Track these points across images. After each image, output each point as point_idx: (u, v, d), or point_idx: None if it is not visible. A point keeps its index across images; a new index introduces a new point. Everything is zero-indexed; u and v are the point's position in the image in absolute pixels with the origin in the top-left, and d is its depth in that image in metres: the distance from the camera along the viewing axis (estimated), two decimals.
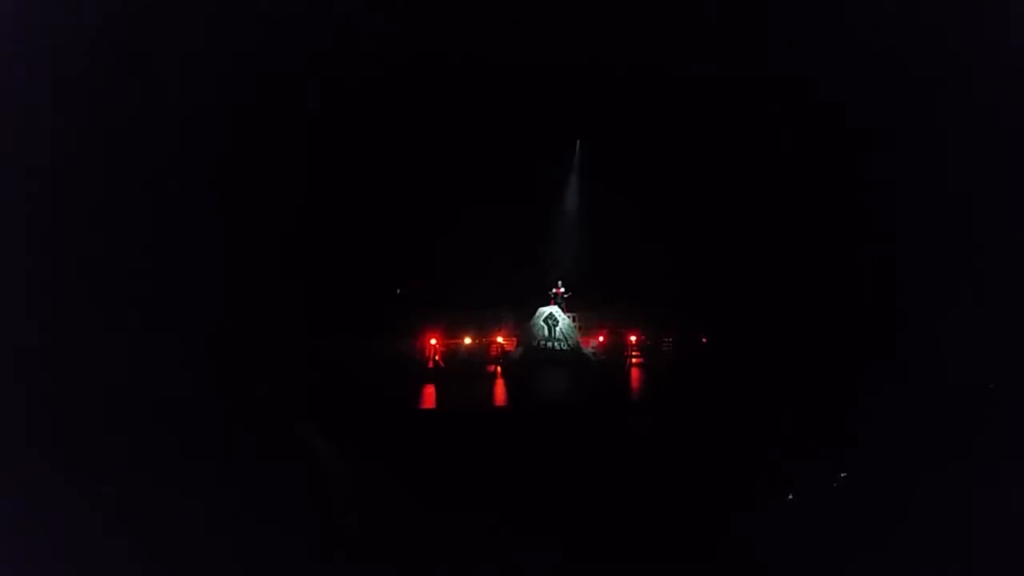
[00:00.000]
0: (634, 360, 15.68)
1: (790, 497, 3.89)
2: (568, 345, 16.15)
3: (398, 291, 14.84)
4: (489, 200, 14.05)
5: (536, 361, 15.72)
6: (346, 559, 3.14)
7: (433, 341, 14.66)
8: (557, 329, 16.25)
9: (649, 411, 10.42)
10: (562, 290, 16.64)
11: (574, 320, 16.54)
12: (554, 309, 16.40)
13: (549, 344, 16.18)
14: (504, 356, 15.53)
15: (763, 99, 10.99)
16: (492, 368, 15.05)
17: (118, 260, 5.79)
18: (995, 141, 6.99)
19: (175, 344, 5.79)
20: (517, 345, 16.27)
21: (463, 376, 14.26)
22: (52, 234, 5.15)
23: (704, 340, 15.18)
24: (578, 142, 16.32)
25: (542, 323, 16.30)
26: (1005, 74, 6.14)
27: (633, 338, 15.87)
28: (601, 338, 16.46)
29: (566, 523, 4.41)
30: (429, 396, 12.35)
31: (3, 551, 2.64)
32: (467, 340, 15.57)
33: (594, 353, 16.27)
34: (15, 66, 4.33)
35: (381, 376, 11.39)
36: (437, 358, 14.66)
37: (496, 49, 10.77)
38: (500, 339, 15.83)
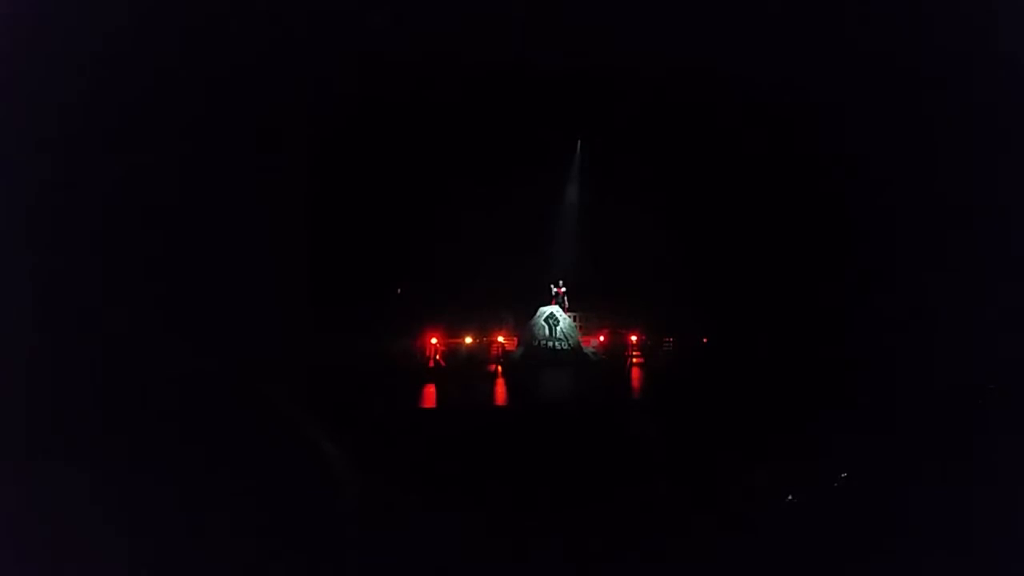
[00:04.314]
0: (635, 360, 15.72)
1: (790, 497, 3.89)
2: (569, 345, 16.18)
3: (398, 291, 14.86)
4: (489, 200, 14.07)
5: (537, 360, 15.74)
6: (347, 558, 3.14)
7: (434, 340, 14.67)
8: (558, 329, 16.27)
9: (649, 410, 10.42)
10: (563, 290, 16.66)
11: (575, 320, 16.57)
12: (555, 309, 16.43)
13: (550, 344, 16.21)
14: (505, 355, 15.55)
15: (764, 99, 10.99)
16: (493, 367, 15.07)
17: (118, 259, 5.79)
18: (995, 139, 6.99)
19: (175, 343, 5.80)
20: (518, 344, 16.29)
21: (464, 375, 14.27)
22: (53, 233, 5.16)
23: (705, 340, 15.21)
24: (578, 142, 16.37)
25: (543, 323, 16.32)
26: (1005, 75, 6.14)
27: (634, 338, 15.90)
28: (602, 338, 16.50)
29: (566, 522, 4.42)
30: (430, 395, 12.36)
31: (3, 551, 2.64)
32: (468, 340, 15.59)
33: (595, 353, 16.30)
34: (15, 66, 4.35)
35: (382, 375, 11.40)
36: (438, 357, 14.68)
37: (497, 49, 10.78)
38: (501, 339, 15.85)
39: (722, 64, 10.29)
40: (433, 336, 14.70)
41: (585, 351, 16.29)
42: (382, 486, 3.89)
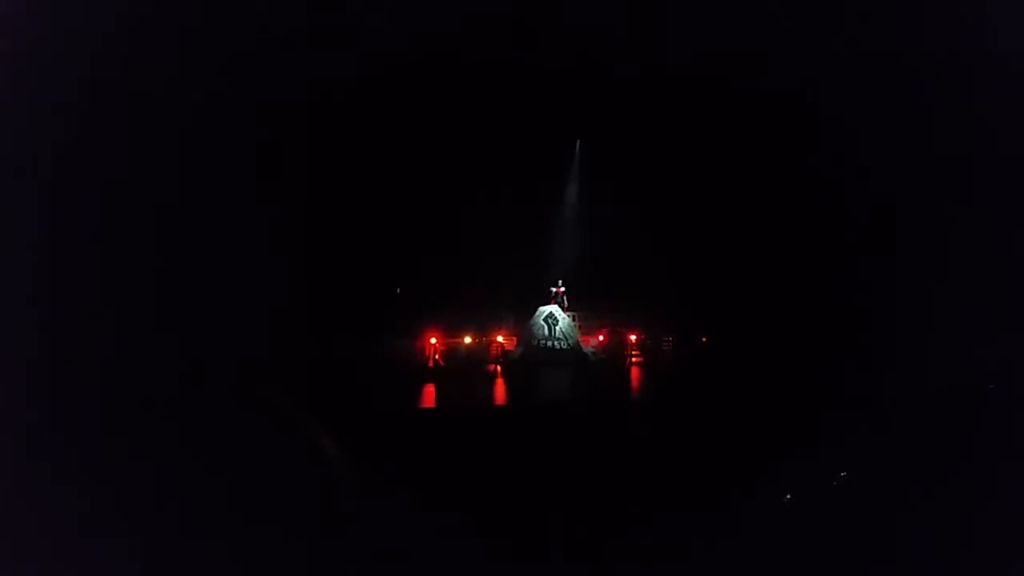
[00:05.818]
0: (634, 359, 15.72)
1: (787, 497, 3.89)
2: (568, 344, 16.17)
3: (398, 291, 14.86)
4: (489, 200, 14.07)
5: (536, 360, 15.74)
6: (347, 559, 3.14)
7: (433, 340, 14.66)
8: (557, 328, 16.27)
9: (648, 410, 10.42)
10: (562, 289, 16.66)
11: (574, 319, 16.57)
12: (554, 308, 16.43)
13: (549, 343, 16.21)
14: (504, 355, 15.54)
15: (764, 100, 10.99)
16: (492, 367, 15.07)
17: (119, 259, 5.79)
18: (994, 139, 7.00)
19: (176, 344, 5.80)
20: (517, 344, 16.29)
21: (463, 375, 14.27)
22: (53, 233, 5.16)
23: (704, 340, 15.21)
24: (578, 142, 16.36)
25: (542, 322, 16.32)
26: (1004, 76, 6.15)
27: (633, 337, 15.90)
28: (601, 337, 16.49)
29: (565, 523, 4.42)
30: (429, 395, 12.37)
31: (3, 551, 2.64)
32: (467, 339, 15.58)
33: (594, 352, 16.30)
34: (15, 66, 4.35)
35: (381, 375, 11.40)
36: (437, 357, 14.67)
37: (496, 49, 10.78)
38: (500, 338, 15.83)
39: (722, 63, 10.29)
40: (432, 336, 14.70)
41: (584, 351, 16.30)
42: (381, 486, 3.90)
